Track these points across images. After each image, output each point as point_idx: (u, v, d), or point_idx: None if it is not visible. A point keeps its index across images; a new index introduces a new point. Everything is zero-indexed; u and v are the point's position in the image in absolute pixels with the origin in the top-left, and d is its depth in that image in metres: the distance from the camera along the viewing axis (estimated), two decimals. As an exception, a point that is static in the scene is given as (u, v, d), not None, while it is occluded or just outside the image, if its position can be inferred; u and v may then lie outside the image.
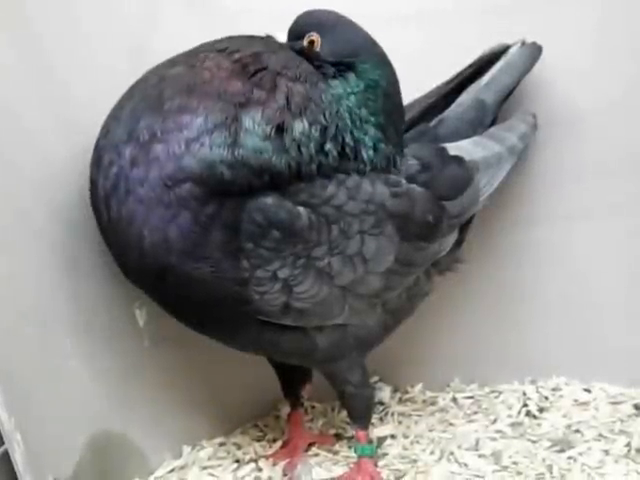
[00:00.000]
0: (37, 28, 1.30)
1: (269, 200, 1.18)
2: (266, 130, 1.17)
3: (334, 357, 1.32)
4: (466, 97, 1.44)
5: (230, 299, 1.20)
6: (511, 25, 1.47)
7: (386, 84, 1.28)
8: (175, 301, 1.24)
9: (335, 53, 1.26)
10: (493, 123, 1.45)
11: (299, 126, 1.19)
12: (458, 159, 1.35)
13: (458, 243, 1.41)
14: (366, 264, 1.26)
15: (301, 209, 1.20)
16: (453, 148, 1.36)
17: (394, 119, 1.30)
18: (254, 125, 1.17)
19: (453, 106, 1.43)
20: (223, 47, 1.23)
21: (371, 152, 1.26)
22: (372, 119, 1.26)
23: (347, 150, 1.24)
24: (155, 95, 1.18)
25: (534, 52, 1.47)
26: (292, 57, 1.24)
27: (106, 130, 1.21)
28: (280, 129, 1.18)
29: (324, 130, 1.21)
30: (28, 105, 1.28)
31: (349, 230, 1.24)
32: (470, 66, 1.46)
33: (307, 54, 1.26)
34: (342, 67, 1.26)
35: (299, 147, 1.19)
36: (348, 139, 1.24)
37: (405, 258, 1.29)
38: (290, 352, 1.31)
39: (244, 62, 1.20)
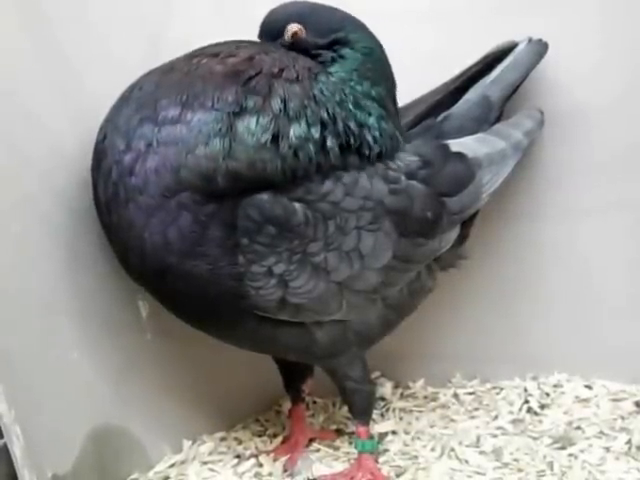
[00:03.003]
0: (51, 17, 1.30)
1: (265, 196, 1.18)
2: (261, 140, 1.16)
3: (334, 353, 1.32)
4: (472, 94, 1.44)
5: (227, 295, 1.20)
6: (519, 23, 1.47)
7: (377, 47, 1.29)
8: (175, 298, 1.25)
9: (323, 34, 1.26)
10: (498, 119, 1.45)
11: (297, 129, 1.19)
12: (460, 155, 1.35)
13: (461, 239, 1.41)
14: (363, 260, 1.26)
15: (297, 205, 1.20)
16: (456, 144, 1.36)
17: (390, 85, 1.30)
18: (248, 135, 1.16)
19: (460, 103, 1.43)
20: (217, 51, 1.22)
21: (377, 133, 1.26)
22: (373, 92, 1.26)
23: (351, 140, 1.23)
24: (150, 103, 1.18)
25: (540, 49, 1.47)
26: (286, 55, 1.24)
27: (104, 134, 1.21)
28: (276, 137, 1.17)
29: (325, 128, 1.21)
30: (39, 92, 1.28)
31: (346, 226, 1.24)
32: (477, 63, 1.46)
33: (301, 45, 1.26)
34: (337, 46, 1.26)
35: (296, 152, 1.19)
36: (353, 126, 1.24)
37: (403, 254, 1.29)
38: (289, 348, 1.31)
39: (238, 68, 1.19)
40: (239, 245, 1.18)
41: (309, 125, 1.20)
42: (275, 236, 1.19)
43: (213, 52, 1.22)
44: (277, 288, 1.21)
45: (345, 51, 1.26)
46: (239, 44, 1.24)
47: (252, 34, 1.29)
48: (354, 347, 1.32)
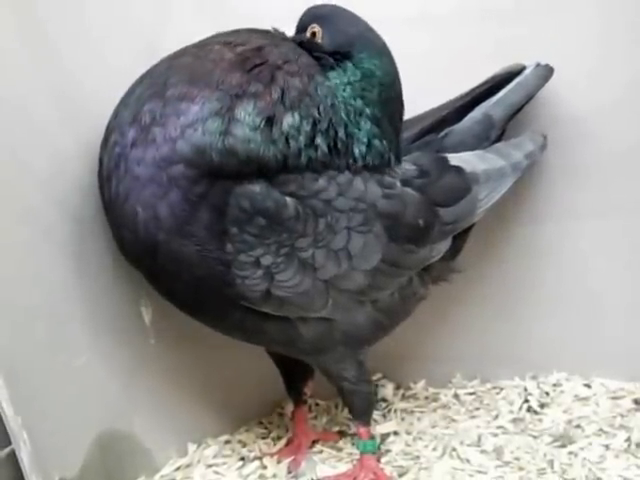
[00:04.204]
0: (48, 24, 1.31)
1: (257, 188, 1.21)
2: (256, 121, 1.20)
3: (320, 349, 1.33)
4: (476, 112, 1.46)
5: (214, 280, 1.22)
6: (512, 28, 1.49)
7: (382, 74, 1.30)
8: (166, 281, 1.26)
9: (334, 43, 1.29)
10: (500, 138, 1.47)
11: (290, 119, 1.21)
12: (457, 169, 1.36)
13: (454, 253, 1.42)
14: (351, 260, 1.27)
15: (288, 199, 1.22)
16: (455, 158, 1.38)
17: (391, 111, 1.32)
18: (245, 116, 1.19)
19: (463, 120, 1.45)
20: (229, 40, 1.26)
21: (363, 148, 1.28)
22: (367, 111, 1.28)
23: (339, 145, 1.26)
24: (161, 82, 1.22)
25: (546, 73, 1.48)
26: (293, 50, 1.27)
27: (115, 113, 1.25)
28: (270, 121, 1.20)
29: (316, 124, 1.23)
30: (38, 102, 1.29)
31: (336, 225, 1.26)
32: (484, 83, 1.48)
33: (309, 45, 1.29)
34: (339, 56, 1.28)
35: (287, 139, 1.21)
36: (341, 133, 1.26)
37: (392, 259, 1.30)
38: (274, 340, 1.32)
39: (246, 55, 1.23)
40: (227, 233, 1.20)
41: (302, 118, 1.22)
42: (264, 227, 1.21)
43: (226, 40, 1.26)
44: (263, 279, 1.23)
45: (347, 64, 1.28)
46: (251, 34, 1.29)
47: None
48: (341, 346, 1.33)
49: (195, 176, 1.19)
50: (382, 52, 1.31)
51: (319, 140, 1.24)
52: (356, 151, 1.28)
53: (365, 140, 1.28)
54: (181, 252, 1.20)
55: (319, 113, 1.24)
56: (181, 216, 1.19)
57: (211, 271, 1.21)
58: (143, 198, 1.19)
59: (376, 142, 1.29)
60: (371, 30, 1.31)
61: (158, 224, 1.19)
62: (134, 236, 1.22)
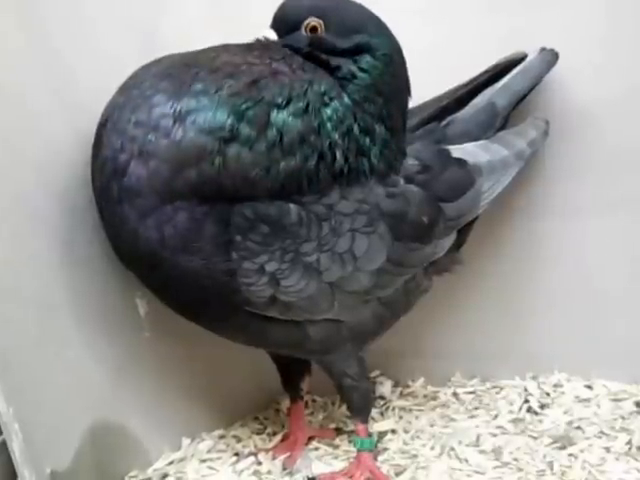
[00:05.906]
0: (44, 12, 1.30)
1: None
2: (250, 171, 1.16)
3: (328, 349, 1.32)
4: (479, 100, 1.44)
5: (220, 288, 1.20)
6: (520, 21, 1.47)
7: (396, 54, 1.26)
8: (166, 288, 1.25)
9: (343, 32, 1.22)
10: (503, 127, 1.45)
11: (290, 163, 1.18)
12: (460, 161, 1.34)
13: (458, 245, 1.40)
14: (356, 262, 1.26)
15: (291, 205, 1.20)
16: (457, 150, 1.36)
17: (404, 97, 1.28)
18: (238, 166, 1.16)
19: (466, 108, 1.43)
20: (217, 66, 1.18)
21: (375, 161, 1.25)
22: (384, 110, 1.24)
23: (345, 170, 1.22)
24: (146, 106, 1.17)
25: (550, 59, 1.46)
26: (302, 78, 1.19)
27: (105, 119, 1.21)
28: (267, 169, 1.17)
29: (322, 158, 1.20)
30: (33, 89, 1.27)
31: (340, 228, 1.24)
32: (486, 72, 1.45)
33: (315, 46, 1.22)
34: (359, 50, 1.22)
35: (285, 179, 1.18)
36: (351, 158, 1.22)
37: (397, 258, 1.29)
38: (281, 343, 1.31)
39: (237, 91, 1.16)
40: (232, 241, 1.18)
41: (305, 159, 1.19)
42: (268, 235, 1.19)
43: (213, 67, 1.18)
44: (268, 286, 1.21)
45: (365, 60, 1.22)
46: (246, 58, 1.20)
47: (246, 31, 1.25)
48: (349, 343, 1.32)
49: (196, 203, 1.16)
50: (386, 26, 1.25)
51: (323, 173, 1.21)
52: (366, 168, 1.24)
53: (377, 152, 1.25)
54: (186, 266, 1.18)
55: (330, 147, 1.20)
56: (187, 235, 1.17)
57: (216, 280, 1.20)
58: (145, 223, 1.17)
59: (386, 152, 1.26)
60: (366, 8, 1.25)
61: (162, 244, 1.17)
62: (134, 251, 1.20)
